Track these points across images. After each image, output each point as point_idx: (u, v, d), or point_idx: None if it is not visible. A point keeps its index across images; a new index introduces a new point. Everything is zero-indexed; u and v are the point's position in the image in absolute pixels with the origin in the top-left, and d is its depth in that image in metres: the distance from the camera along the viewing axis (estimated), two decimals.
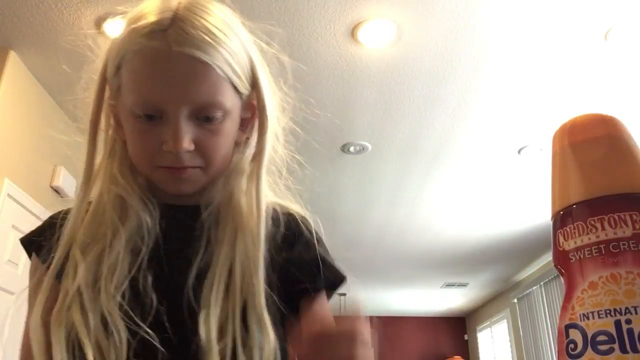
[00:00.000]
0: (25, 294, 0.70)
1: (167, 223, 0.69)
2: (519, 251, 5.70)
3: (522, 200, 4.42)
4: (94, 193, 0.72)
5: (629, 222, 0.43)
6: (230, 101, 0.67)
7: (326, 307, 0.74)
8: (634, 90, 3.04)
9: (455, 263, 6.15)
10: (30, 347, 0.64)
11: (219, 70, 0.65)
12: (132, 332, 0.61)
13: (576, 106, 3.13)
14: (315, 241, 0.74)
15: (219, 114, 0.66)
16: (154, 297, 0.63)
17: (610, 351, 0.40)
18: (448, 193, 4.37)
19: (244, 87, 0.70)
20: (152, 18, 0.64)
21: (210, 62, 0.64)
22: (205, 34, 0.64)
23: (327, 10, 2.44)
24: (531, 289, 6.27)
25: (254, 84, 0.72)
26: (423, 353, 8.62)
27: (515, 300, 6.78)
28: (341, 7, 2.42)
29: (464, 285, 7.17)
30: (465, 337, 8.95)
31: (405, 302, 8.03)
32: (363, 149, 3.62)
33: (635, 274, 0.41)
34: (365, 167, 3.89)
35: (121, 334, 0.60)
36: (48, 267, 0.67)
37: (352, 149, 3.61)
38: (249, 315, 0.63)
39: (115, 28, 2.52)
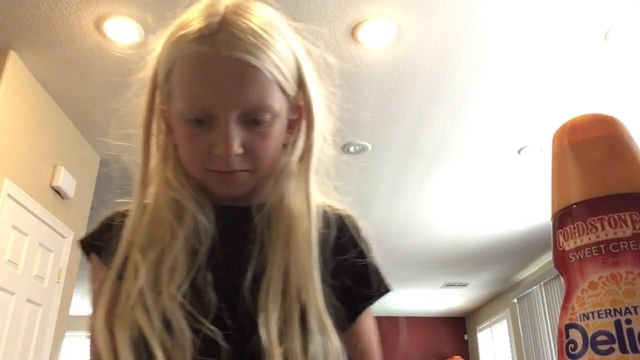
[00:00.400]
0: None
1: (222, 224, 0.71)
2: (519, 251, 5.70)
3: (522, 200, 4.42)
4: (150, 196, 0.73)
5: (629, 222, 0.43)
6: (279, 104, 0.68)
7: (371, 322, 0.76)
8: (634, 90, 3.04)
9: (455, 263, 6.15)
10: (97, 350, 0.65)
11: (267, 74, 0.65)
12: (195, 331, 0.62)
13: (576, 106, 3.14)
14: (367, 246, 0.75)
15: (267, 117, 0.66)
16: (214, 296, 0.64)
17: (610, 351, 0.40)
18: (448, 193, 4.37)
19: (291, 89, 0.70)
20: (200, 23, 0.65)
21: (259, 65, 0.64)
22: (254, 38, 0.64)
23: (327, 10, 2.44)
24: (531, 289, 6.27)
25: (301, 84, 0.72)
26: (423, 353, 8.62)
27: (515, 300, 6.78)
28: (341, 7, 2.42)
29: (464, 285, 7.17)
30: (465, 337, 8.96)
31: (405, 302, 8.03)
32: (363, 149, 3.63)
33: (635, 274, 0.41)
34: (365, 167, 3.89)
35: (185, 333, 0.62)
36: (109, 269, 0.68)
37: (352, 149, 3.61)
38: (308, 319, 0.64)
39: (115, 28, 2.53)
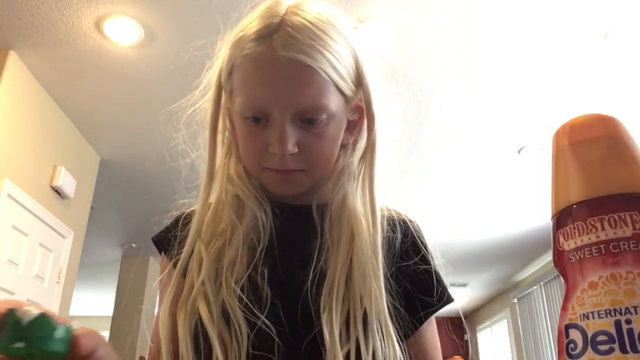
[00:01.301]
0: None
1: (281, 222, 0.72)
2: (519, 251, 5.70)
3: (522, 200, 4.43)
4: (215, 193, 0.75)
5: (629, 222, 0.43)
6: (335, 104, 0.68)
7: (435, 330, 0.77)
8: (634, 90, 3.04)
9: (455, 263, 6.15)
10: (158, 338, 0.68)
11: (323, 74, 0.66)
12: (250, 325, 0.63)
13: (576, 106, 3.14)
14: (429, 253, 0.75)
15: (323, 117, 0.67)
16: (270, 292, 0.65)
17: (610, 351, 0.40)
18: (448, 193, 4.37)
19: (349, 89, 0.70)
20: (260, 24, 0.66)
21: (315, 66, 0.65)
22: (310, 38, 0.65)
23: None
24: (531, 289, 6.27)
25: (360, 83, 0.72)
26: None
27: (515, 300, 6.78)
28: (341, 8, 2.42)
29: (464, 285, 7.17)
30: (465, 337, 8.96)
31: None
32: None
33: (635, 274, 0.41)
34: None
35: (242, 325, 0.63)
36: (175, 264, 0.71)
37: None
38: (370, 322, 0.64)
39: (115, 28, 2.53)
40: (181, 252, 0.70)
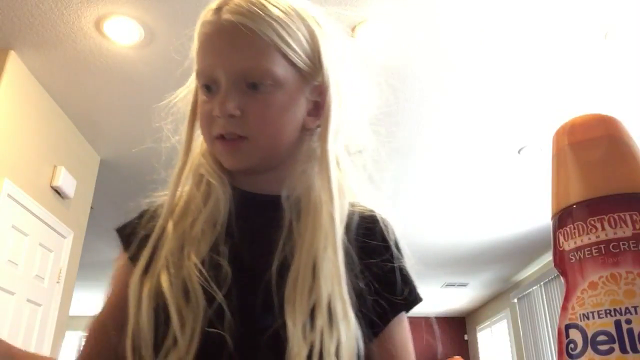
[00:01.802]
0: None
1: (243, 207, 0.72)
2: (519, 251, 5.70)
3: (522, 200, 4.42)
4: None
5: (629, 222, 0.43)
6: (282, 71, 0.68)
7: (406, 332, 0.74)
8: (634, 90, 3.04)
9: (455, 263, 6.15)
10: (104, 316, 0.73)
11: (264, 37, 0.67)
12: (209, 301, 0.64)
13: (576, 106, 3.14)
14: (398, 251, 0.74)
15: (267, 82, 0.67)
16: (230, 271, 0.66)
17: (610, 351, 0.40)
18: (448, 193, 4.37)
19: (302, 62, 0.70)
20: (217, 2, 0.70)
21: (255, 28, 0.66)
22: (257, 7, 0.67)
23: (327, 10, 2.44)
24: (531, 289, 6.27)
25: (320, 63, 0.72)
26: (423, 353, 8.62)
27: (515, 300, 6.78)
28: (341, 8, 2.42)
29: (464, 285, 7.17)
30: (465, 337, 8.96)
31: None
32: (362, 148, 3.62)
33: (635, 274, 0.41)
34: (364, 167, 3.88)
35: (199, 299, 0.64)
36: (131, 258, 0.72)
37: (351, 149, 3.61)
38: (334, 314, 0.63)
39: (115, 28, 2.53)
40: (142, 247, 0.70)
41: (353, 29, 2.54)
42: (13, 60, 2.73)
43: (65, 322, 3.41)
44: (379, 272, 0.71)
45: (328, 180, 0.69)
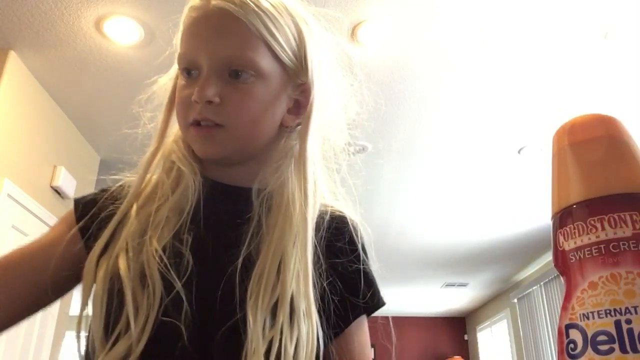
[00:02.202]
0: None
1: (212, 196, 0.71)
2: (519, 251, 5.70)
3: (522, 200, 4.42)
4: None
5: (629, 222, 0.43)
6: (266, 64, 0.68)
7: (365, 335, 0.73)
8: (634, 90, 3.04)
9: (455, 263, 6.15)
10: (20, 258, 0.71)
11: (251, 27, 0.66)
12: (167, 290, 0.62)
13: (576, 106, 3.14)
14: (364, 254, 0.73)
15: (249, 72, 0.67)
16: (191, 260, 0.65)
17: (610, 351, 0.40)
18: (448, 193, 4.37)
19: (287, 58, 0.70)
20: None
21: (243, 17, 0.66)
22: None
23: (327, 11, 2.44)
24: (531, 289, 6.27)
25: (305, 61, 0.72)
26: (423, 353, 8.63)
27: (515, 300, 6.78)
28: (341, 8, 2.42)
29: (464, 285, 7.17)
30: (465, 337, 8.96)
31: (405, 302, 8.03)
32: (363, 149, 3.63)
33: (635, 274, 0.41)
34: (364, 167, 3.88)
35: (156, 286, 0.62)
36: (82, 233, 0.70)
37: (351, 149, 3.61)
38: (296, 311, 0.63)
39: (115, 28, 2.52)
40: (100, 228, 0.69)
41: (353, 29, 2.54)
42: (13, 60, 2.72)
43: (65, 322, 3.40)
44: (343, 272, 0.70)
45: (305, 178, 0.69)
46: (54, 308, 3.19)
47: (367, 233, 0.76)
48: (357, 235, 0.74)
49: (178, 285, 0.62)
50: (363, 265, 0.72)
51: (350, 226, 0.75)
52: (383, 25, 2.55)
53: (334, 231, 0.72)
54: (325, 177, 0.76)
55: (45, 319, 3.08)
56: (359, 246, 0.74)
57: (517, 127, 3.42)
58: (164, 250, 0.65)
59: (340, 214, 0.75)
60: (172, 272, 0.63)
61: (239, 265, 0.64)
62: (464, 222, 4.95)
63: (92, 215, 0.71)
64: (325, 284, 0.67)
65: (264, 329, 0.61)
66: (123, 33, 2.58)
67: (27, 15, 2.47)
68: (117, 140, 3.63)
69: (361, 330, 0.73)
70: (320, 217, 0.71)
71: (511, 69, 2.88)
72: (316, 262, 0.67)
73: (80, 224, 0.72)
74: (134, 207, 0.69)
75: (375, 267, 0.75)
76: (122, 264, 0.64)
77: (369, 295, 0.71)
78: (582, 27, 2.58)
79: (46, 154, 3.09)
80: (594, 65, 2.84)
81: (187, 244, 0.66)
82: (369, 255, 0.75)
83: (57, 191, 3.18)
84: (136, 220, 0.68)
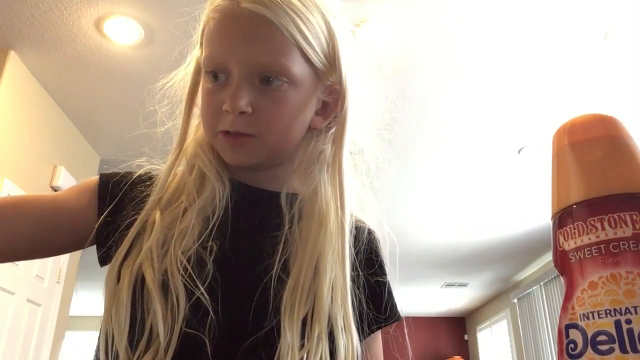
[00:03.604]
0: None
1: (239, 200, 0.69)
2: (519, 251, 5.70)
3: (522, 200, 4.42)
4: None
5: (629, 222, 0.43)
6: (299, 69, 0.65)
7: (379, 347, 0.73)
8: (634, 90, 3.04)
9: (455, 263, 6.15)
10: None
11: (285, 32, 0.63)
12: (189, 297, 0.61)
13: (576, 106, 3.14)
14: (385, 269, 0.73)
15: (282, 79, 0.64)
16: (215, 270, 0.63)
17: (610, 351, 0.40)
18: (448, 193, 4.37)
19: (319, 61, 0.67)
20: None
21: (276, 21, 0.62)
22: None
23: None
24: (531, 289, 6.27)
25: (335, 63, 0.69)
26: (423, 353, 8.63)
27: (515, 300, 6.78)
28: (341, 8, 2.42)
29: (464, 285, 7.17)
30: (465, 337, 8.96)
31: (405, 302, 8.03)
32: (361, 150, 3.62)
33: (635, 274, 0.41)
34: (364, 167, 3.88)
35: (180, 298, 0.60)
36: (100, 213, 0.69)
37: (351, 148, 3.61)
38: (333, 323, 0.61)
39: (115, 28, 2.52)
40: (113, 207, 0.68)
41: (353, 30, 2.54)
42: (13, 60, 2.72)
43: (65, 322, 3.40)
44: (367, 284, 0.69)
45: (341, 186, 0.67)
46: (54, 308, 3.19)
47: (390, 244, 0.75)
48: (378, 247, 0.74)
49: (205, 297, 0.60)
50: (385, 278, 0.72)
51: (374, 236, 0.74)
52: (383, 25, 2.55)
53: (359, 242, 0.71)
54: (356, 183, 0.75)
55: (45, 319, 3.08)
56: (382, 258, 0.73)
57: (517, 127, 3.41)
58: (188, 259, 0.63)
59: (362, 223, 0.73)
60: (197, 283, 0.61)
61: (274, 275, 0.62)
62: (464, 222, 4.95)
63: (114, 198, 0.70)
64: (360, 296, 0.66)
65: (300, 340, 0.59)
66: (123, 33, 2.58)
67: (27, 15, 2.47)
68: (117, 140, 3.63)
69: (377, 342, 0.73)
70: (351, 223, 0.69)
71: (511, 69, 2.88)
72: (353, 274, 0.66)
73: (105, 208, 0.70)
74: (157, 214, 0.67)
75: (392, 277, 0.74)
76: (147, 274, 0.62)
77: (389, 308, 0.71)
78: (582, 27, 2.58)
79: (46, 154, 3.09)
80: (594, 65, 2.84)
81: (212, 252, 0.64)
82: (386, 268, 0.74)
83: (57, 191, 3.18)
84: (160, 227, 0.66)
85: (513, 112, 3.27)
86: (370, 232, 0.73)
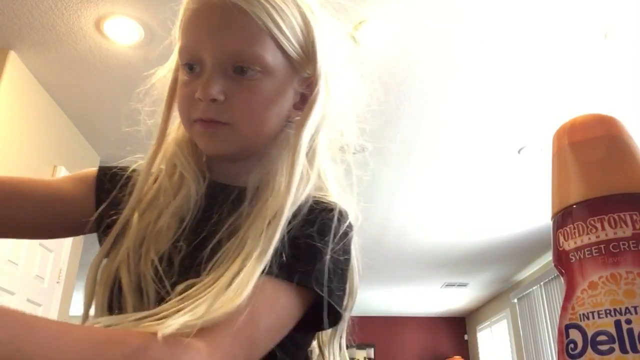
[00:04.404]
0: None
1: (211, 199, 0.69)
2: (519, 251, 5.70)
3: (522, 200, 4.42)
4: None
5: (629, 222, 0.43)
6: (272, 58, 0.65)
7: (263, 300, 0.57)
8: (634, 90, 3.04)
9: (455, 263, 6.15)
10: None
11: (258, 20, 0.63)
12: (158, 298, 0.62)
13: (576, 106, 3.14)
14: (328, 239, 0.63)
15: (255, 68, 0.64)
16: (179, 268, 0.64)
17: (610, 351, 0.40)
18: (448, 193, 4.37)
19: (294, 51, 0.67)
20: None
21: (249, 10, 0.62)
22: None
23: (327, 10, 2.44)
24: (531, 289, 6.27)
25: (312, 54, 0.69)
26: (423, 353, 8.62)
27: (515, 300, 6.78)
28: (341, 7, 2.42)
29: (464, 285, 7.17)
30: (465, 337, 8.96)
31: (405, 302, 8.03)
32: (363, 149, 3.63)
33: (635, 274, 0.41)
34: (364, 167, 3.88)
35: (150, 295, 0.61)
36: (98, 206, 0.71)
37: (351, 149, 3.61)
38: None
39: (115, 28, 2.52)
40: (109, 201, 0.69)
41: (353, 29, 2.54)
42: (13, 60, 2.72)
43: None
44: (296, 240, 0.62)
45: (292, 171, 0.64)
46: (54, 308, 3.19)
47: (342, 219, 0.68)
48: (331, 218, 0.65)
49: (170, 294, 0.59)
50: (319, 242, 0.62)
51: (330, 209, 0.66)
52: (383, 26, 2.55)
53: (314, 214, 0.65)
54: (332, 170, 0.74)
55: None
56: (327, 228, 0.64)
57: (517, 127, 3.41)
58: (160, 260, 0.64)
59: (328, 204, 0.67)
60: (166, 284, 0.61)
61: (204, 260, 0.61)
62: (464, 222, 4.95)
63: (111, 192, 0.72)
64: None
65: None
66: (123, 33, 2.58)
67: (27, 15, 2.47)
68: (117, 140, 3.63)
69: (261, 292, 0.57)
70: (302, 204, 0.64)
71: (511, 69, 2.88)
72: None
73: (98, 199, 0.72)
74: (136, 215, 0.68)
75: (337, 257, 0.64)
76: (124, 277, 0.63)
77: (296, 264, 0.60)
78: (582, 27, 2.58)
79: (46, 154, 3.09)
80: (594, 65, 2.84)
81: (180, 252, 0.65)
82: (337, 244, 0.64)
83: None
84: (137, 228, 0.67)
85: (513, 112, 3.27)
86: (329, 207, 0.66)
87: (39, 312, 3.03)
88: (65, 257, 3.31)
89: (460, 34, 2.63)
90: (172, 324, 0.49)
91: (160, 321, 0.50)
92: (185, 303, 0.53)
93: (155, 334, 0.48)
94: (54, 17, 2.49)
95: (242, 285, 0.54)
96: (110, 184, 0.73)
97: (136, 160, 0.76)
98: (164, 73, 0.76)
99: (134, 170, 0.75)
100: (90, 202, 0.72)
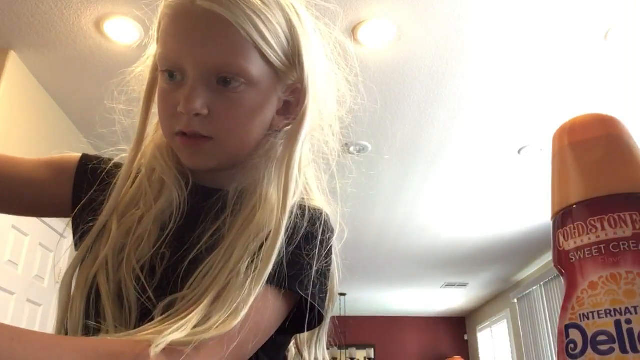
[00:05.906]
0: None
1: (193, 204, 0.67)
2: (519, 251, 5.70)
3: (522, 200, 4.43)
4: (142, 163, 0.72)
5: (629, 222, 0.43)
6: (257, 70, 0.63)
7: (259, 313, 0.59)
8: (634, 91, 3.04)
9: (455, 263, 6.15)
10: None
11: (242, 32, 0.60)
12: (140, 307, 0.60)
13: (576, 106, 3.14)
14: (315, 250, 0.64)
15: (239, 80, 0.62)
16: (161, 276, 0.62)
17: (610, 351, 0.40)
18: (448, 193, 4.37)
19: (279, 60, 0.65)
20: None
21: (233, 20, 0.60)
22: None
23: (327, 10, 2.44)
24: (531, 289, 6.27)
25: (297, 62, 0.66)
26: (423, 353, 8.63)
27: (515, 300, 6.78)
28: (341, 7, 2.42)
29: (464, 285, 7.17)
30: (465, 337, 8.96)
31: (405, 302, 8.03)
32: (363, 149, 3.63)
33: (635, 274, 0.41)
34: (365, 167, 3.89)
35: (132, 304, 0.60)
36: (75, 195, 0.70)
37: (352, 148, 3.62)
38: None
39: (115, 28, 2.52)
40: (81, 197, 0.68)
41: (353, 29, 2.54)
42: (13, 60, 2.72)
43: None
44: (287, 255, 0.62)
45: (286, 184, 0.63)
46: (54, 308, 3.19)
47: (327, 229, 0.68)
48: (317, 225, 0.66)
49: (154, 302, 0.59)
50: (305, 251, 0.63)
51: (316, 215, 0.67)
52: (383, 25, 2.55)
53: (303, 223, 0.65)
54: (314, 175, 0.73)
55: (45, 319, 3.08)
56: (313, 237, 0.65)
57: (517, 127, 3.42)
58: (142, 268, 0.62)
59: (316, 212, 0.68)
60: (149, 292, 0.60)
61: (184, 269, 0.60)
62: (464, 222, 4.95)
63: (91, 184, 0.70)
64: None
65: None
66: (123, 33, 2.58)
67: (27, 15, 2.47)
68: (117, 140, 3.63)
69: (268, 293, 0.61)
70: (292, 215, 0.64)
71: (511, 69, 2.88)
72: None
73: (76, 186, 0.71)
74: (115, 221, 0.65)
75: (321, 266, 0.65)
76: (102, 285, 0.61)
77: (283, 269, 0.61)
78: (582, 27, 2.58)
79: (46, 154, 3.09)
80: (594, 65, 2.84)
81: (163, 260, 0.63)
82: (316, 248, 0.64)
83: None
84: (117, 234, 0.64)
85: (513, 112, 3.27)
86: (318, 215, 0.67)
87: (39, 312, 3.03)
88: (65, 258, 3.30)
89: (460, 34, 2.63)
90: (162, 342, 0.49)
91: (152, 336, 0.50)
92: (172, 321, 0.53)
93: (148, 346, 0.48)
94: (54, 17, 2.49)
95: (237, 310, 0.54)
96: (91, 178, 0.71)
97: (119, 153, 0.75)
98: (142, 69, 0.73)
99: (116, 165, 0.73)
100: (67, 193, 0.71)
